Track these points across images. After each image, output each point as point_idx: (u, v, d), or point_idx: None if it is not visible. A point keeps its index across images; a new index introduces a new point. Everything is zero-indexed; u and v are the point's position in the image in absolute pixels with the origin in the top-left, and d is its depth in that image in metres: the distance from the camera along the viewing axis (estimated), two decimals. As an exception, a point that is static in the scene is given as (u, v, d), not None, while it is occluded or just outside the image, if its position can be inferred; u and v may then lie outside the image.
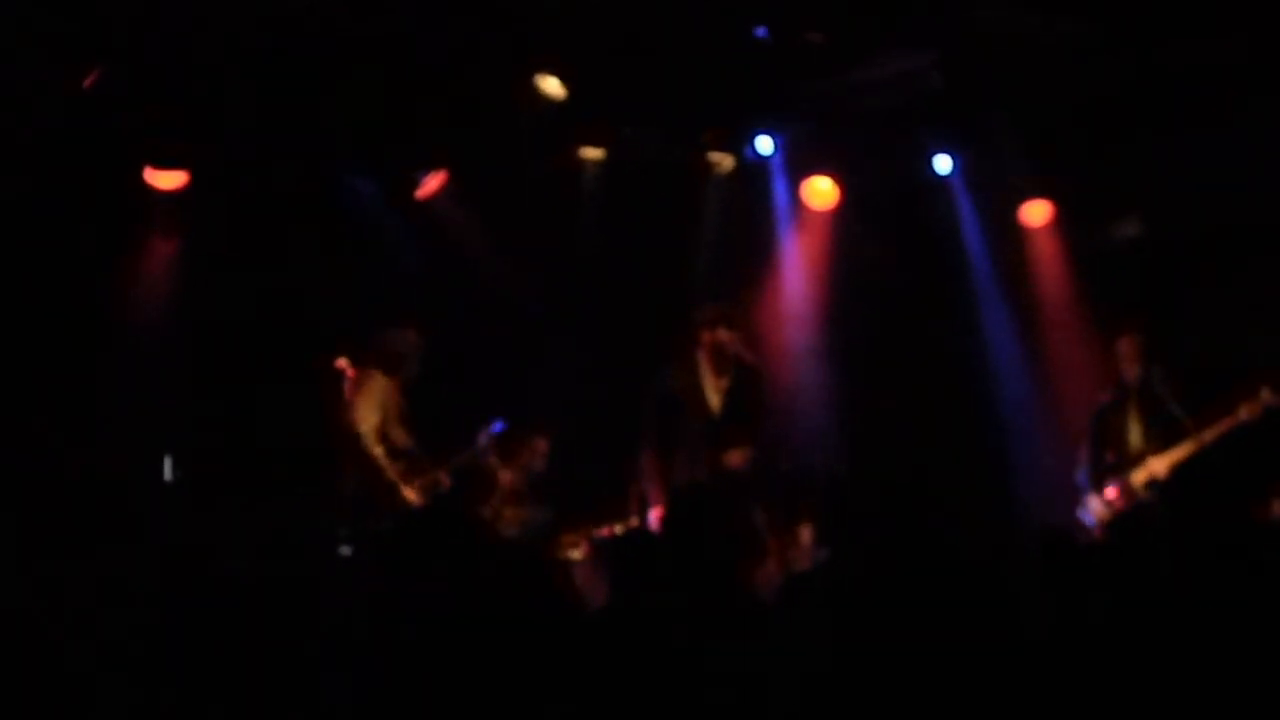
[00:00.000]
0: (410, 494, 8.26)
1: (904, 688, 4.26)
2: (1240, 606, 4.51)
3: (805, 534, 8.31)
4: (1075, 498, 8.53)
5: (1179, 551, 4.81)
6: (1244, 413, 8.04)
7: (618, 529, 8.46)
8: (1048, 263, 10.09)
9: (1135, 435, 8.38)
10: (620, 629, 4.49)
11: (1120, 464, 8.38)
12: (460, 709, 4.29)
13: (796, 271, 10.24)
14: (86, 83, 8.22)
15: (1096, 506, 8.37)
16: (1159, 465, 8.23)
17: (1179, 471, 8.17)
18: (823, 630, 4.54)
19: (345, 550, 8.05)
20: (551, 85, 9.00)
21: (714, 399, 8.21)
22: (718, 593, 4.68)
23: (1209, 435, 8.10)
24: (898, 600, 4.52)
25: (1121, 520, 8.06)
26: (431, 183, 9.45)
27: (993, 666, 4.36)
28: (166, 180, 8.84)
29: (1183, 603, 4.56)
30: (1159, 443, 8.25)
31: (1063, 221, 9.98)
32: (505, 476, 9.02)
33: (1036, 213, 9.99)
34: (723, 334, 8.17)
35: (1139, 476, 8.30)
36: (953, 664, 4.32)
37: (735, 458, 8.09)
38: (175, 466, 8.45)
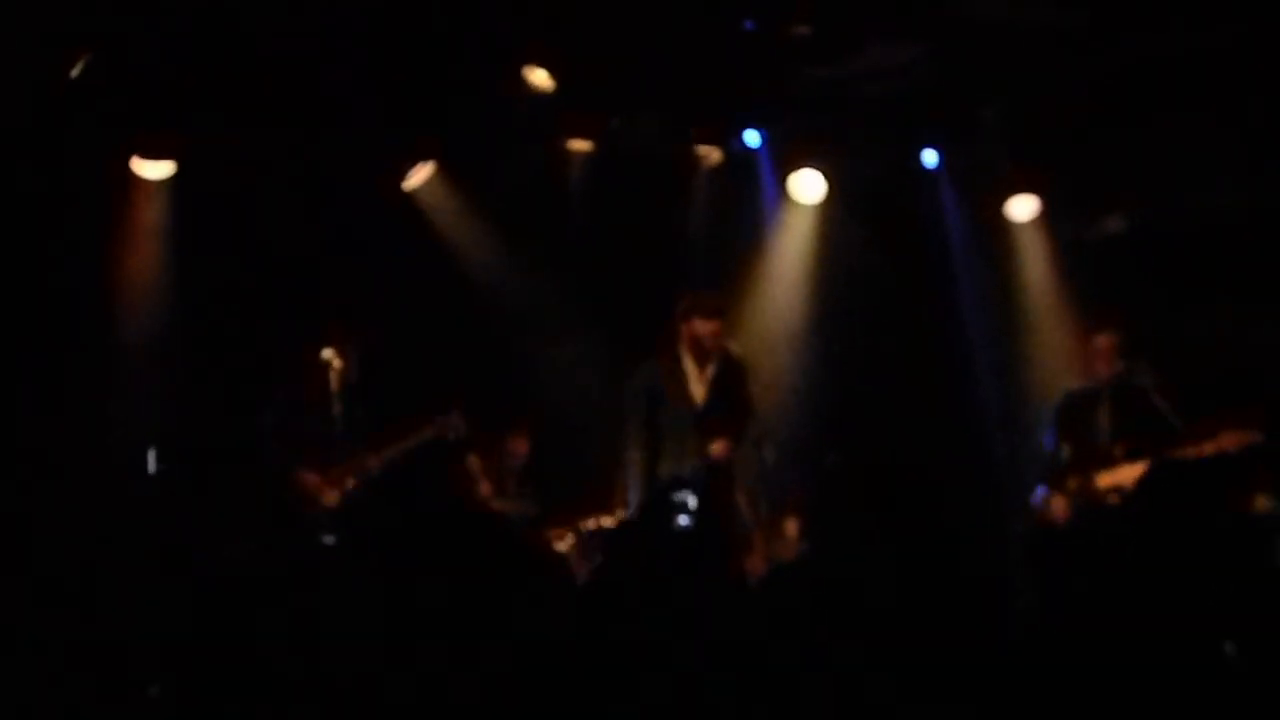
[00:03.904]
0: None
1: (886, 674, 4.28)
2: (1219, 599, 4.52)
3: (791, 526, 8.34)
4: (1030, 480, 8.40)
5: (1151, 546, 4.82)
6: (1227, 442, 7.68)
7: (605, 521, 8.46)
8: (1033, 256, 10.11)
9: (1104, 433, 8.20)
10: (605, 617, 4.51)
11: (1083, 460, 8.18)
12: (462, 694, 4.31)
13: (783, 264, 10.25)
14: (73, 72, 8.19)
15: (1055, 500, 8.16)
16: (1127, 475, 7.80)
17: (1145, 484, 7.98)
18: (805, 620, 4.55)
19: (328, 539, 8.06)
20: (540, 77, 8.99)
21: (697, 390, 8.17)
22: (701, 584, 4.69)
23: (1186, 455, 7.73)
24: (881, 590, 4.53)
25: (1084, 518, 7.92)
26: (419, 174, 9.44)
27: (978, 657, 4.37)
28: (153, 170, 8.83)
29: (1161, 595, 4.57)
30: (1129, 445, 8.00)
31: (1048, 215, 10.00)
32: (484, 477, 9.03)
33: (1022, 206, 10.00)
34: (700, 325, 8.14)
35: (1104, 480, 8.04)
36: (937, 653, 4.33)
37: (717, 448, 8.08)
38: (159, 458, 8.43)
